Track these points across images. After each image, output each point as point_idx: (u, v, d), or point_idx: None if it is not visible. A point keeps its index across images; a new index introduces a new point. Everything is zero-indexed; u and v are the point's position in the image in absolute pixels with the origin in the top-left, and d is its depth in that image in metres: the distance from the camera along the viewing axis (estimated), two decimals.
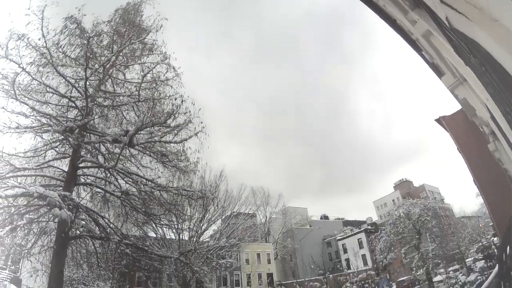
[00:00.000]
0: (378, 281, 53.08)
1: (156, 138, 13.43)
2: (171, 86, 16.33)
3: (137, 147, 13.56)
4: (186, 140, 13.57)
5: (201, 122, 13.62)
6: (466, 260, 45.02)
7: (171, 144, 14.13)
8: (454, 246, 46.38)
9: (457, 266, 47.29)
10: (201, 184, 36.90)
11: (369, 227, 65.46)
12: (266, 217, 69.53)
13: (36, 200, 13.28)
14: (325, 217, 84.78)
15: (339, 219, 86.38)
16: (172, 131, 13.37)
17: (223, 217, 51.29)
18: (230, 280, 52.18)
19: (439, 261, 45.72)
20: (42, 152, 15.72)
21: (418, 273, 39.93)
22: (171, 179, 15.38)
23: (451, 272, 43.71)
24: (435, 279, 38.39)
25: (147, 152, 14.82)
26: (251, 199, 60.14)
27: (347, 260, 60.68)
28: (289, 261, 66.36)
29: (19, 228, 13.95)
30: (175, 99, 14.46)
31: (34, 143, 15.41)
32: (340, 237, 68.83)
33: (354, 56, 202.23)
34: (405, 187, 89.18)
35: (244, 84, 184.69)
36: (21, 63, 13.00)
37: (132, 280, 43.09)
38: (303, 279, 44.98)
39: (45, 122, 14.36)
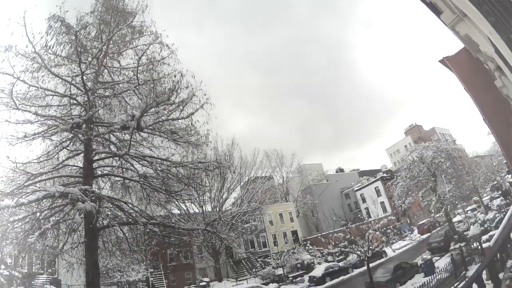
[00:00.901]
0: (399, 226, 54.05)
1: (163, 118, 13.33)
2: (168, 64, 16.11)
3: (146, 130, 13.50)
4: (193, 114, 13.46)
5: (205, 94, 13.47)
6: (483, 199, 44.91)
7: (179, 121, 14.01)
8: (469, 186, 46.28)
9: (474, 206, 47.36)
10: (215, 155, 37.25)
11: (385, 174, 65.21)
12: (283, 177, 69.98)
13: (59, 200, 13.51)
14: (340, 170, 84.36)
15: (354, 170, 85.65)
16: (178, 108, 13.23)
17: (242, 183, 52.06)
18: (257, 242, 53.46)
19: (457, 202, 45.97)
20: (55, 154, 15.75)
21: (437, 215, 40.14)
22: (185, 154, 15.39)
23: (469, 212, 43.99)
24: (455, 219, 38.59)
25: (157, 133, 14.78)
26: (265, 162, 61.15)
27: (367, 209, 61.10)
28: (311, 217, 67.30)
29: (48, 232, 14.28)
30: (174, 76, 14.26)
31: (45, 147, 15.46)
32: (357, 188, 69.03)
33: (345, 5, 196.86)
34: (415, 132, 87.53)
35: (239, 51, 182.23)
36: (14, 73, 12.75)
37: (164, 258, 44.41)
38: (326, 232, 45.83)
39: (51, 123, 14.32)
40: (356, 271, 35.03)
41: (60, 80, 14.76)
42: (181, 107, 13.10)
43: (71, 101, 14.92)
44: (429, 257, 25.89)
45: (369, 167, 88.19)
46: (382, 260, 34.51)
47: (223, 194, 48.16)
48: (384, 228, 24.69)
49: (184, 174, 15.38)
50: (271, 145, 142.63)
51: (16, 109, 13.08)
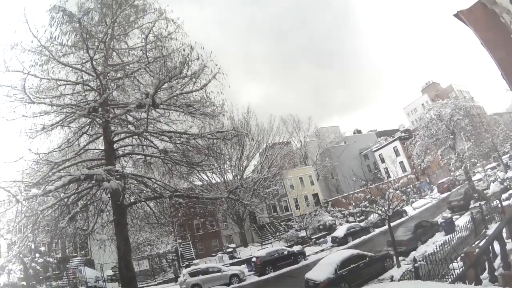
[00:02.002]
0: (419, 185, 53.51)
1: (177, 92, 13.15)
2: (176, 39, 15.67)
3: (161, 106, 13.37)
4: (206, 85, 13.17)
5: (216, 64, 13.14)
6: (502, 157, 44.07)
7: (194, 93, 13.76)
8: (489, 144, 45.02)
9: (494, 164, 46.56)
10: (231, 124, 37.15)
11: (403, 134, 64.09)
12: (301, 142, 69.57)
13: (84, 184, 13.72)
14: (358, 132, 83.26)
15: (372, 131, 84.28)
16: (191, 80, 12.97)
17: (260, 150, 52.09)
18: (279, 207, 54.09)
19: (476, 160, 44.69)
20: (75, 140, 15.85)
21: (457, 174, 39.46)
22: (203, 125, 15.26)
23: (488, 170, 43.28)
24: (474, 178, 37.93)
25: (172, 108, 14.62)
26: (282, 128, 60.45)
27: (386, 169, 61.00)
28: (331, 179, 67.22)
29: (77, 215, 14.59)
30: (184, 50, 13.95)
31: (65, 136, 15.56)
32: (376, 148, 68.57)
33: None
34: (432, 90, 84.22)
35: (244, 19, 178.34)
36: (24, 68, 12.67)
37: (191, 228, 45.57)
38: (347, 193, 45.79)
39: (68, 111, 14.32)
40: (377, 231, 35.24)
41: (71, 68, 14.60)
42: (193, 79, 12.82)
43: (84, 87, 14.84)
44: (449, 215, 25.69)
45: (386, 127, 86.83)
46: (403, 219, 34.54)
47: (243, 162, 48.47)
48: (404, 187, 24.36)
49: (203, 145, 15.30)
50: (287, 111, 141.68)
51: (31, 103, 13.09)
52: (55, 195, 13.03)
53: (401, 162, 59.43)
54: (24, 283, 33.16)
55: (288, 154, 57.43)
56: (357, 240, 33.36)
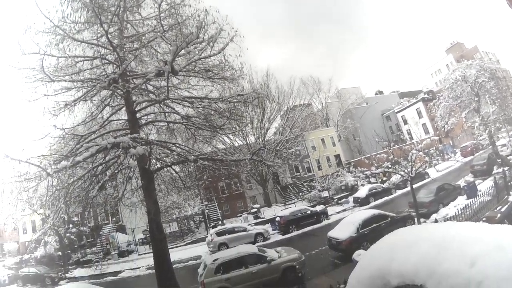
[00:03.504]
0: (442, 148, 52.00)
1: (195, 57, 12.84)
2: (190, 5, 15.10)
3: (180, 72, 13.11)
4: (223, 48, 12.77)
5: (232, 28, 12.65)
6: None
7: (212, 58, 13.39)
8: None
9: None
10: (251, 87, 36.70)
11: (426, 95, 60.61)
12: (322, 103, 68.24)
13: (112, 153, 13.91)
14: (380, 92, 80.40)
15: (394, 92, 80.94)
16: (208, 45, 12.59)
17: (281, 113, 51.40)
18: (302, 167, 54.06)
19: (500, 125, 42.78)
20: (98, 113, 15.90)
21: (480, 138, 37.78)
22: (223, 89, 14.97)
23: None
24: (498, 143, 36.33)
25: (192, 74, 14.36)
26: (303, 90, 58.87)
27: (408, 131, 59.09)
28: (353, 140, 65.91)
29: (106, 184, 14.92)
30: (198, 15, 13.43)
31: (88, 110, 15.56)
32: (398, 110, 66.19)
33: None
34: (457, 50, 79.34)
35: None
36: (40, 49, 12.56)
37: (216, 190, 46.25)
38: (369, 154, 45.09)
39: (89, 85, 14.25)
40: (399, 192, 34.68)
41: (87, 44, 14.39)
42: (211, 43, 12.42)
43: (102, 61, 14.66)
44: (471, 179, 24.90)
45: (409, 88, 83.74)
46: (425, 181, 33.56)
47: (264, 125, 48.04)
48: (427, 149, 23.47)
49: (225, 108, 15.09)
50: (306, 73, 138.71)
51: (51, 81, 13.06)
52: (83, 167, 13.29)
53: (424, 124, 57.32)
54: (59, 253, 35.08)
55: (309, 115, 56.57)
56: (379, 201, 33.06)
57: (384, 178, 40.73)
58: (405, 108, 64.18)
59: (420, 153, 21.87)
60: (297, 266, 15.70)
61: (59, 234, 34.25)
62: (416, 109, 60.74)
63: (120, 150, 12.82)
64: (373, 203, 32.67)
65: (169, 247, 15.78)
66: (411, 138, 50.94)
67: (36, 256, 36.26)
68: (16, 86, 13.02)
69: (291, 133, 47.77)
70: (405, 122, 63.02)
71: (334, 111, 67.04)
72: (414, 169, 20.90)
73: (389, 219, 18.02)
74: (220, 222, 39.77)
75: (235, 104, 15.04)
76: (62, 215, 16.61)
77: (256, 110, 40.53)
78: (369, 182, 42.66)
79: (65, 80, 13.76)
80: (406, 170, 21.01)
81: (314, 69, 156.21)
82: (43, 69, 11.91)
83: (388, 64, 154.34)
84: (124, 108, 15.55)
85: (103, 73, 14.72)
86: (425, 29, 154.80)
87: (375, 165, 29.29)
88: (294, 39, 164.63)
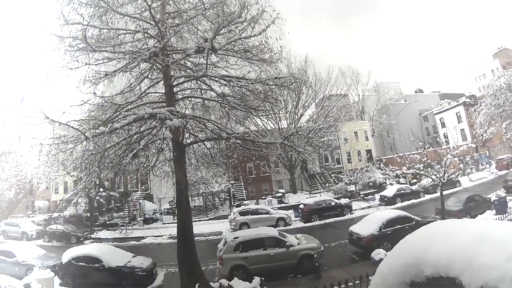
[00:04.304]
0: (477, 157, 49.49)
1: (235, 37, 12.68)
2: None
3: (219, 51, 13.02)
4: (265, 30, 12.51)
5: (274, 10, 12.36)
6: None
7: (252, 38, 13.18)
8: None
9: None
10: (289, 71, 36.21)
11: (468, 99, 57.40)
12: (359, 95, 66.49)
13: (147, 124, 14.14)
14: (419, 91, 76.93)
15: (435, 92, 76.67)
16: (249, 25, 12.39)
17: (316, 100, 50.52)
18: (332, 158, 53.33)
19: None
20: (137, 85, 16.03)
21: None
22: (263, 70, 14.78)
23: None
24: None
25: (230, 53, 14.23)
26: (340, 80, 57.12)
27: (445, 134, 56.53)
28: (387, 137, 64.22)
29: (139, 153, 15.25)
30: None
31: (127, 81, 15.74)
32: (437, 111, 62.94)
33: None
34: (504, 56, 72.70)
35: None
36: (83, 19, 12.73)
37: (244, 170, 46.61)
38: (402, 154, 43.64)
39: (130, 57, 14.43)
40: (428, 197, 33.81)
41: (129, 18, 14.45)
42: (252, 24, 12.20)
43: (144, 35, 14.75)
44: (503, 194, 23.56)
45: (451, 90, 79.61)
46: (456, 189, 32.22)
47: (298, 111, 47.43)
48: (463, 156, 22.28)
49: (261, 90, 14.96)
50: (346, 62, 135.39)
51: (93, 51, 13.22)
52: (119, 134, 13.60)
53: (462, 130, 54.43)
54: (88, 214, 36.68)
55: (345, 106, 55.19)
56: (406, 203, 32.27)
57: (414, 180, 39.48)
58: (444, 111, 61.30)
59: (455, 159, 20.80)
60: (315, 255, 15.69)
61: (89, 196, 35.80)
62: (456, 113, 57.90)
63: (156, 121, 13.03)
64: (399, 204, 31.91)
65: (192, 220, 16.05)
66: (447, 143, 48.91)
67: (65, 215, 38.00)
68: (58, 54, 13.27)
69: (325, 122, 47.02)
70: (443, 125, 60.36)
71: (371, 104, 65.36)
72: (446, 174, 20.12)
73: (413, 222, 17.43)
74: (244, 202, 40.18)
75: (272, 86, 14.83)
76: (94, 179, 17.22)
77: (291, 95, 39.88)
78: (398, 182, 41.62)
79: (107, 51, 13.89)
80: (438, 175, 20.27)
81: (353, 60, 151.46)
82: (85, 39, 12.06)
83: (431, 62, 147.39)
84: (161, 82, 15.65)
85: (144, 46, 14.82)
86: (473, 30, 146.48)
87: (407, 165, 28.22)
88: (336, 27, 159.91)
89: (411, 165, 26.45)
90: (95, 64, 13.99)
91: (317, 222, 28.64)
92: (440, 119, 62.11)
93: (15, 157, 41.66)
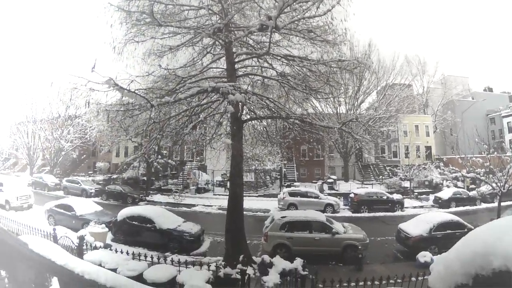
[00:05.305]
0: None
1: (299, 16, 12.27)
2: None
3: (282, 30, 12.70)
4: (330, 10, 11.97)
5: None
6: None
7: (316, 19, 12.70)
8: None
9: None
10: (352, 55, 34.68)
11: None
12: (423, 87, 62.03)
13: (209, 97, 14.41)
14: (489, 89, 69.07)
15: (505, 92, 69.01)
16: (314, 5, 11.89)
17: (378, 88, 48.14)
18: (388, 150, 51.12)
19: None
20: (199, 60, 16.25)
21: None
22: (324, 52, 14.28)
23: None
24: None
25: (293, 33, 13.86)
26: (405, 68, 53.26)
27: (511, 140, 51.82)
28: (449, 135, 59.40)
29: (198, 125, 15.67)
30: None
31: (190, 56, 15.98)
32: (506, 114, 56.46)
33: None
34: None
35: None
36: None
37: (297, 152, 46.13)
38: (464, 155, 40.71)
39: (193, 33, 14.57)
40: (484, 205, 31.47)
41: None
42: (316, 3, 11.69)
43: (209, 11, 14.77)
44: None
45: None
46: None
47: (358, 97, 45.61)
48: None
49: (323, 72, 14.52)
50: (413, 50, 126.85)
51: (159, 26, 13.49)
52: (181, 106, 13.99)
53: None
54: (145, 178, 38.84)
55: (408, 97, 51.62)
56: (461, 208, 30.28)
57: (473, 186, 36.58)
58: None
59: None
60: (359, 247, 15.31)
61: (148, 162, 37.71)
62: None
63: (218, 94, 13.25)
64: (453, 209, 29.89)
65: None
66: None
67: (124, 177, 40.35)
68: (126, 27, 13.78)
69: (386, 111, 44.73)
70: (510, 130, 55.02)
71: (436, 98, 60.74)
72: (507, 184, 18.46)
73: (466, 229, 16.20)
74: (294, 183, 40.05)
75: (335, 69, 14.31)
76: (154, 146, 17.96)
77: (353, 80, 38.26)
78: (455, 185, 38.92)
79: (172, 26, 14.20)
80: (499, 183, 18.67)
81: (422, 48, 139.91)
82: (152, 14, 12.35)
83: (504, 59, 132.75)
84: (223, 58, 15.75)
85: (208, 22, 14.90)
86: None
87: (468, 168, 26.02)
88: (405, 13, 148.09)
89: (472, 168, 24.58)
90: (161, 38, 14.42)
91: (366, 214, 27.90)
92: (507, 123, 56.32)
93: (80, 121, 45.02)
